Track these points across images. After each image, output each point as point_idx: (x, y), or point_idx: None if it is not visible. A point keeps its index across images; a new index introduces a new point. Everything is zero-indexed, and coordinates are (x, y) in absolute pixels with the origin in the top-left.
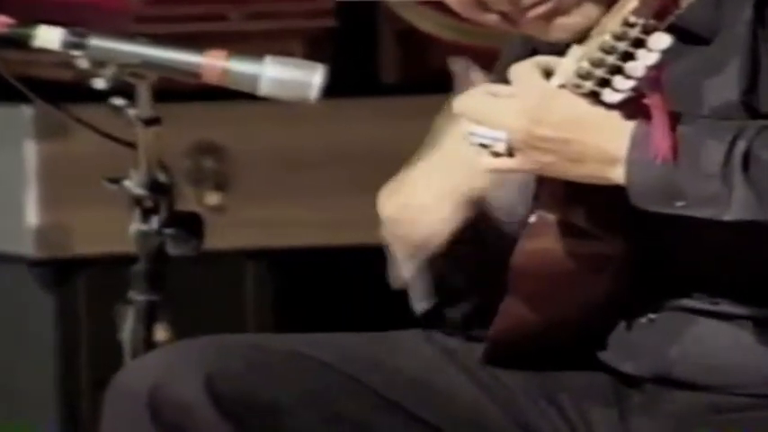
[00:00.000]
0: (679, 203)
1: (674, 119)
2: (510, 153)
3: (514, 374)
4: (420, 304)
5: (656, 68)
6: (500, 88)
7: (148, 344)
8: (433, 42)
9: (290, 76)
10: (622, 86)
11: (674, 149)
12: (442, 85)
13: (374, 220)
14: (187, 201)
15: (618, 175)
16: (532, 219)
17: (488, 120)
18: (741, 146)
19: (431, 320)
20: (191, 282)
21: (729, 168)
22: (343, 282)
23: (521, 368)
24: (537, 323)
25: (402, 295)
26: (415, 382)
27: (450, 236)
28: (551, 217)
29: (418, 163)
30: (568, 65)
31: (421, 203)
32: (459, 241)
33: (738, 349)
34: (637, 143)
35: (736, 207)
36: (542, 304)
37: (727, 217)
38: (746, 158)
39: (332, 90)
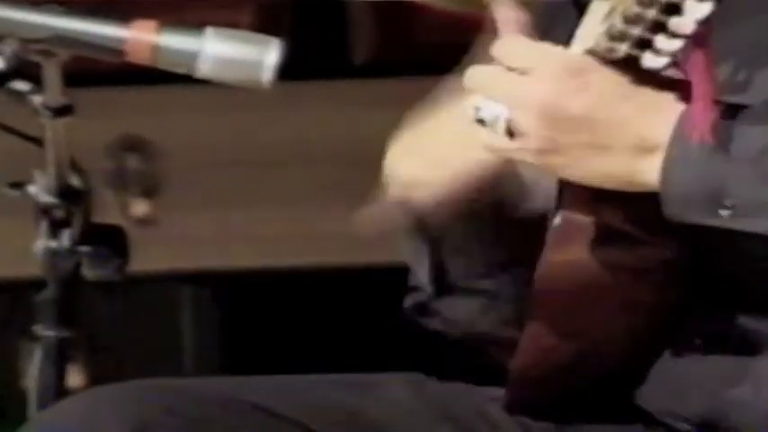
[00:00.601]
0: (724, 212)
1: (718, 93)
2: (510, 134)
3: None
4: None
5: (706, 24)
6: (511, 57)
7: (59, 391)
8: (414, 14)
9: (237, 54)
10: (667, 48)
11: (716, 129)
12: (426, 66)
13: (344, 233)
14: (108, 210)
15: (651, 168)
16: (557, 221)
17: (499, 99)
18: None
19: (422, 314)
20: (113, 312)
21: None
22: (300, 310)
23: (544, 419)
24: (568, 354)
25: (367, 325)
26: None
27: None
28: (581, 218)
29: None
30: (593, 25)
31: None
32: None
33: None
34: (680, 126)
35: None
36: (574, 329)
37: None
38: None
39: (290, 71)
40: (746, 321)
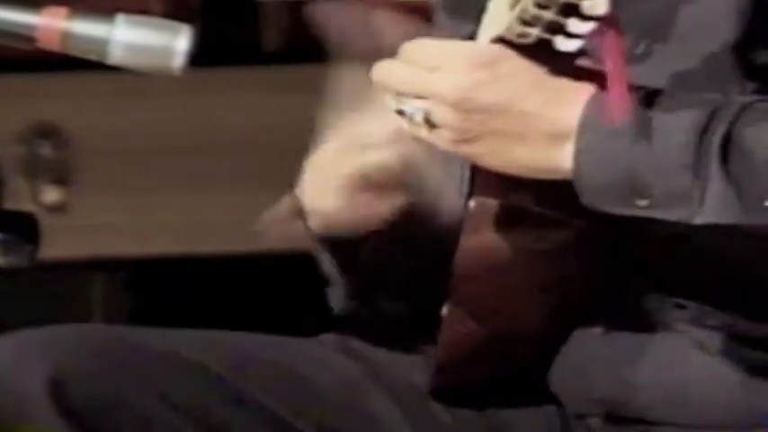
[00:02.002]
0: (641, 202)
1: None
2: (430, 124)
3: (453, 413)
4: (340, 305)
5: (615, 9)
6: (420, 56)
7: None
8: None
9: (147, 41)
10: (579, 30)
11: (633, 115)
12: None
13: (254, 221)
14: (19, 197)
15: (566, 156)
16: (471, 206)
17: (412, 95)
18: (719, 129)
19: (350, 326)
20: (23, 300)
21: (704, 157)
22: (213, 298)
23: (467, 402)
24: (487, 337)
25: (288, 315)
26: (329, 403)
27: (371, 229)
28: (494, 202)
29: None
30: (500, 10)
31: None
32: (384, 240)
33: (710, 373)
34: (593, 113)
35: (711, 207)
36: (491, 313)
37: (698, 220)
38: (725, 146)
39: (201, 58)
40: (647, 304)
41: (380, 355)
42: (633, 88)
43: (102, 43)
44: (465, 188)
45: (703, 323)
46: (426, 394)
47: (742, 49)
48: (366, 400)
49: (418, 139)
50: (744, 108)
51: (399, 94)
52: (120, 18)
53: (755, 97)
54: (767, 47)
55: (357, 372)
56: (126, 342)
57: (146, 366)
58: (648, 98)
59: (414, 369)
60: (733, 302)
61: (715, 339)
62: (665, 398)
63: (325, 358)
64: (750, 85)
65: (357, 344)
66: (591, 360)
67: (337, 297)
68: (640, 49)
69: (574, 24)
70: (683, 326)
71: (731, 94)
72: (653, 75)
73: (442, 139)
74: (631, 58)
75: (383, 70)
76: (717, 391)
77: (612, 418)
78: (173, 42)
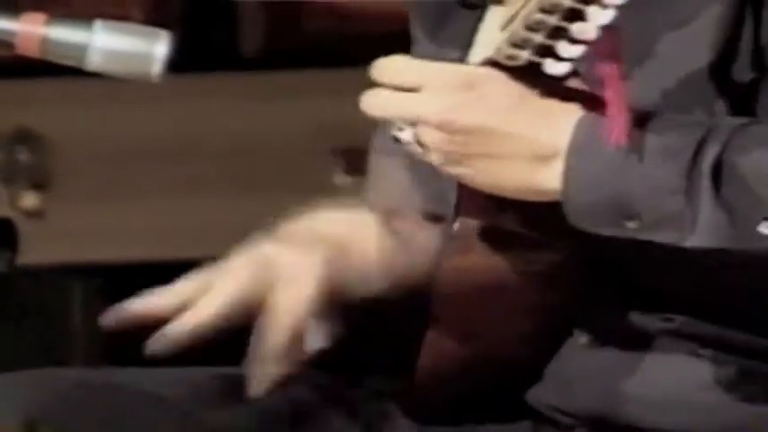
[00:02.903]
0: (631, 224)
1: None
2: (423, 147)
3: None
4: (316, 343)
5: (610, 29)
6: (404, 78)
7: None
8: (302, 6)
9: (126, 47)
10: (569, 54)
11: (630, 136)
12: (315, 58)
13: (235, 227)
14: None
15: (551, 177)
16: (456, 227)
17: (398, 118)
18: (711, 152)
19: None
20: (1, 305)
21: (695, 181)
22: None
23: (440, 422)
24: (467, 357)
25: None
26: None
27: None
28: (479, 223)
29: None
30: (492, 31)
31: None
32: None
33: (695, 383)
34: (583, 134)
35: (702, 231)
36: (473, 333)
37: (689, 243)
38: (717, 169)
39: (180, 64)
40: (633, 317)
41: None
42: (629, 110)
43: (81, 49)
44: (451, 209)
45: (689, 334)
46: (400, 414)
47: (723, 70)
48: (334, 424)
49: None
50: (735, 131)
51: (386, 117)
52: (99, 24)
53: (746, 119)
54: (748, 68)
55: (322, 401)
56: (102, 385)
57: (122, 409)
58: (639, 119)
59: (389, 389)
60: (719, 314)
61: (702, 350)
62: (652, 407)
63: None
64: (730, 107)
65: (322, 378)
66: (576, 373)
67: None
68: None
69: (564, 48)
70: (670, 337)
71: (717, 115)
72: (634, 97)
73: (432, 159)
74: None
75: (370, 99)
76: (704, 400)
77: (597, 427)
78: (151, 48)
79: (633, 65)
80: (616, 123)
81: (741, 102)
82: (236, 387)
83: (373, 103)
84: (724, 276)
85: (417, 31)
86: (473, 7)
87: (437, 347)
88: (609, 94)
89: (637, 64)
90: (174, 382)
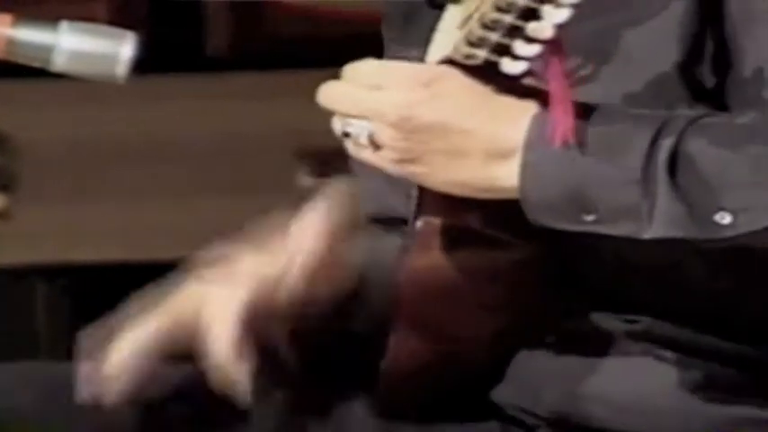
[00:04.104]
0: (588, 217)
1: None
2: (374, 145)
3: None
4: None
5: (561, 30)
6: (362, 76)
7: None
8: (268, 7)
9: (92, 48)
10: (525, 53)
11: (577, 133)
12: (281, 59)
13: (200, 228)
14: None
15: (508, 174)
16: (418, 225)
17: (354, 115)
18: (667, 143)
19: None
20: None
21: (652, 172)
22: None
23: (406, 420)
24: (431, 357)
25: None
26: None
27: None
28: (441, 222)
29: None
30: (450, 30)
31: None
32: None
33: (659, 385)
34: (537, 131)
35: (659, 222)
36: (437, 332)
37: (647, 235)
38: (673, 160)
39: (146, 65)
40: (598, 318)
41: (319, 373)
42: (577, 106)
43: (47, 50)
44: (413, 208)
45: (653, 336)
46: (366, 414)
47: (688, 69)
48: (304, 423)
49: (364, 161)
50: (691, 122)
51: (343, 115)
52: (65, 25)
53: (702, 112)
54: (713, 66)
55: (292, 399)
56: (67, 379)
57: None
58: (595, 115)
59: (355, 388)
60: (682, 316)
61: (666, 352)
62: (616, 408)
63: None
64: (697, 105)
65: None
66: (540, 374)
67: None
68: (587, 70)
69: (520, 47)
70: (634, 339)
71: (678, 110)
72: (600, 96)
73: (385, 159)
74: (578, 80)
75: (327, 90)
76: (667, 402)
77: (561, 427)
78: (117, 49)
79: (597, 65)
80: (560, 122)
81: (707, 101)
82: (200, 382)
83: (330, 95)
84: (688, 279)
85: (386, 32)
86: (440, 7)
87: (401, 346)
88: (553, 93)
89: (600, 64)
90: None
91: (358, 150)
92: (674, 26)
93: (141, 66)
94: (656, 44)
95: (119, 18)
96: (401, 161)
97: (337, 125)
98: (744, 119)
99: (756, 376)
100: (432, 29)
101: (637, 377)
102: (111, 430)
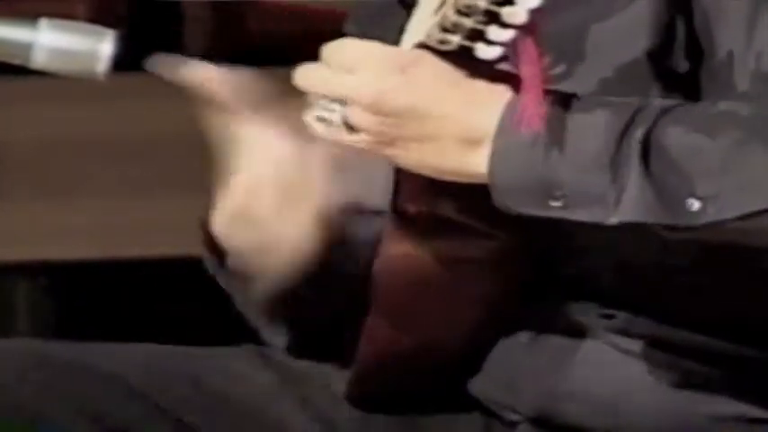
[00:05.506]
0: (555, 203)
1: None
2: (349, 127)
3: (373, 419)
4: (278, 339)
5: (537, 14)
6: (339, 58)
7: None
8: (248, 6)
9: (71, 45)
10: (499, 38)
11: (548, 119)
12: (262, 57)
13: (180, 226)
14: None
15: (480, 160)
16: (393, 214)
17: (330, 97)
18: (640, 130)
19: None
20: None
21: (622, 158)
22: (138, 302)
23: (386, 410)
24: (407, 345)
25: (207, 318)
26: (245, 418)
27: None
28: (416, 210)
29: (247, 168)
30: (424, 17)
31: (277, 234)
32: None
33: (637, 382)
34: (509, 117)
35: (627, 206)
36: (413, 321)
37: (614, 219)
38: (646, 146)
39: (125, 63)
40: (574, 312)
41: (299, 364)
42: (549, 93)
43: (26, 48)
44: (389, 196)
45: (631, 332)
46: (345, 403)
47: (661, 58)
48: (282, 412)
49: (338, 145)
50: (665, 110)
51: (319, 97)
52: (44, 22)
53: (675, 101)
54: (687, 52)
55: (273, 383)
56: (46, 357)
57: (67, 382)
58: (566, 102)
59: (333, 377)
60: (660, 311)
61: (643, 348)
62: (593, 406)
63: (242, 371)
64: (672, 93)
65: (278, 355)
66: (517, 370)
67: (254, 315)
68: (561, 68)
69: (494, 32)
70: (611, 335)
71: (653, 98)
72: (577, 92)
73: (360, 142)
74: (553, 79)
75: (303, 72)
76: (645, 399)
77: (541, 424)
78: (97, 47)
79: (571, 62)
80: (530, 108)
81: (681, 89)
82: (190, 366)
83: (307, 77)
84: (667, 274)
85: (351, 30)
86: (410, 7)
87: (377, 335)
88: (524, 78)
89: (574, 59)
90: (130, 360)
91: (332, 133)
92: (646, 13)
93: (121, 63)
94: (625, 35)
95: (98, 15)
96: (376, 144)
97: (311, 109)
98: (717, 108)
99: (735, 374)
100: (402, 25)
101: (611, 375)
102: None
